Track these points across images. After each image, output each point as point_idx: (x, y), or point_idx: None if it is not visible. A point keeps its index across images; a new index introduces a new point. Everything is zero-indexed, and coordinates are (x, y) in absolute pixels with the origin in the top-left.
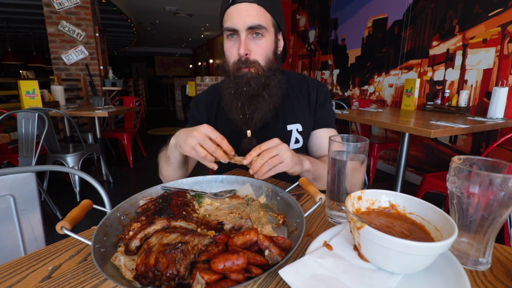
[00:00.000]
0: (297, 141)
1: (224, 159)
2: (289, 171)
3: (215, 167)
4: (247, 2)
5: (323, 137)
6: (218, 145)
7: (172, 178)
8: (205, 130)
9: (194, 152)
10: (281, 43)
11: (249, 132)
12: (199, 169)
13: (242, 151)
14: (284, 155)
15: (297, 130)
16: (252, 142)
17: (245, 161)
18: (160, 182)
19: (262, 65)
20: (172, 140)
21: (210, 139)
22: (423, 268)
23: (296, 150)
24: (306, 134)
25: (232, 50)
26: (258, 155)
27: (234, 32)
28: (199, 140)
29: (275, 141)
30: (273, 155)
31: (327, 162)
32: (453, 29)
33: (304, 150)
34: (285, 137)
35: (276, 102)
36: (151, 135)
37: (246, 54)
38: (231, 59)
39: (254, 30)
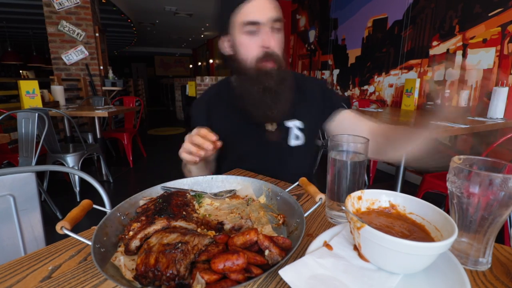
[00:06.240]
0: (296, 137)
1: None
2: None
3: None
4: None
5: (347, 118)
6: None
7: None
8: (192, 132)
9: (190, 156)
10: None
11: (270, 125)
12: None
13: (265, 143)
14: None
15: (297, 127)
16: (277, 134)
17: None
18: (160, 182)
19: (280, 57)
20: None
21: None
22: (423, 268)
23: (298, 147)
24: (309, 131)
25: (253, 45)
26: None
27: (256, 25)
28: (190, 141)
29: None
30: None
31: (396, 129)
32: (453, 29)
33: (306, 147)
34: (284, 133)
35: (292, 95)
36: (151, 135)
37: (268, 46)
38: (252, 53)
39: (276, 23)
